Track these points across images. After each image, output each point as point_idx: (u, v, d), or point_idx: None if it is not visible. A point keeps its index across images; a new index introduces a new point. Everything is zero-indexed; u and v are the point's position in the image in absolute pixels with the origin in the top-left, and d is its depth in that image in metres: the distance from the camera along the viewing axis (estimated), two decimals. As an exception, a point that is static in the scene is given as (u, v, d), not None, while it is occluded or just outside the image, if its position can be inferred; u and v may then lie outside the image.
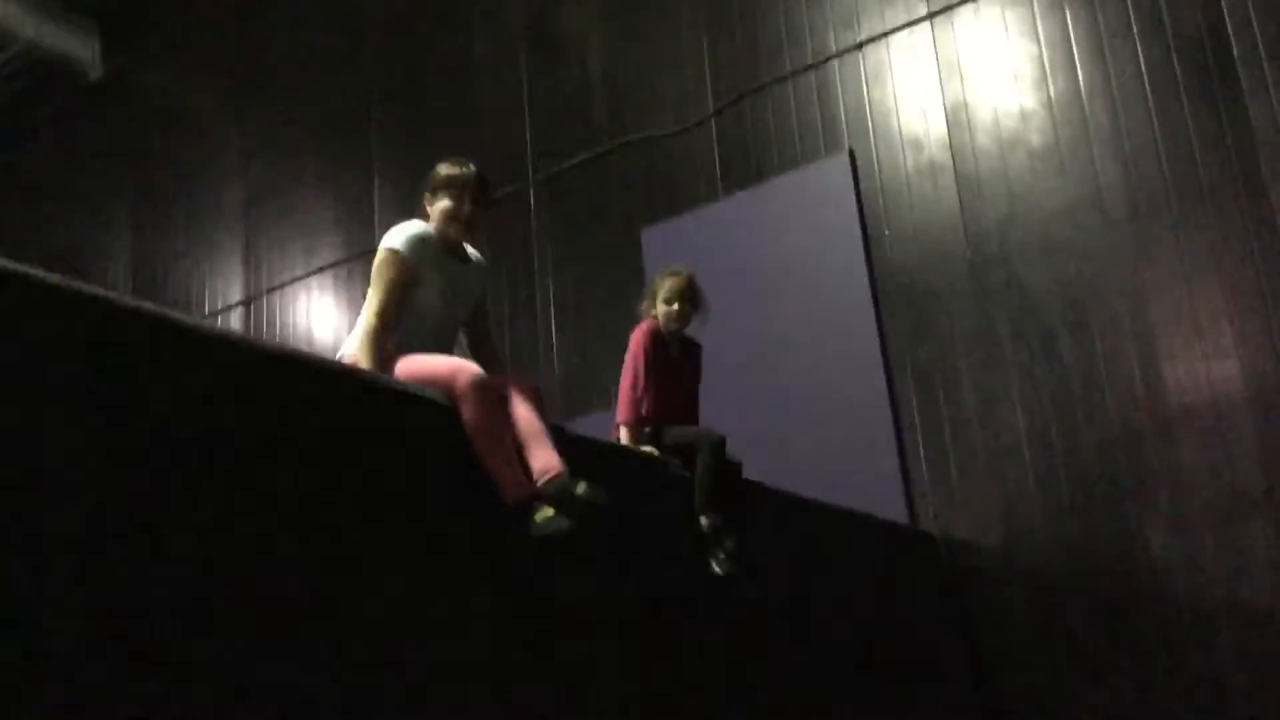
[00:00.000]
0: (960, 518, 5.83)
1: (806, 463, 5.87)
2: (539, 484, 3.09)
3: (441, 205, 3.70)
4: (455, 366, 3.20)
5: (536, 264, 7.67)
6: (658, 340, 4.43)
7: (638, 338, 4.41)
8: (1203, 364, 5.34)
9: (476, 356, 3.76)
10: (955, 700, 5.45)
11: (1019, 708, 5.47)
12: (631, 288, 6.21)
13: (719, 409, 4.68)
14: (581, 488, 3.10)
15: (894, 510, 5.83)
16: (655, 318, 4.45)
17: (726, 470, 4.10)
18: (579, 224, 7.61)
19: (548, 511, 3.02)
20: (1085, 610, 5.44)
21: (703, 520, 3.94)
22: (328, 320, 8.77)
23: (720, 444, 4.11)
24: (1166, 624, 5.22)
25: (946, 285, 6.14)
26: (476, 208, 3.72)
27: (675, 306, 4.42)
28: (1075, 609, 5.46)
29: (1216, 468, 5.22)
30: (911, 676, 5.11)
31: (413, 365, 3.34)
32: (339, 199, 8.89)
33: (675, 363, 4.48)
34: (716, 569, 3.87)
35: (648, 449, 4.19)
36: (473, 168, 3.75)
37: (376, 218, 8.50)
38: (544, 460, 3.14)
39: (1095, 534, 5.47)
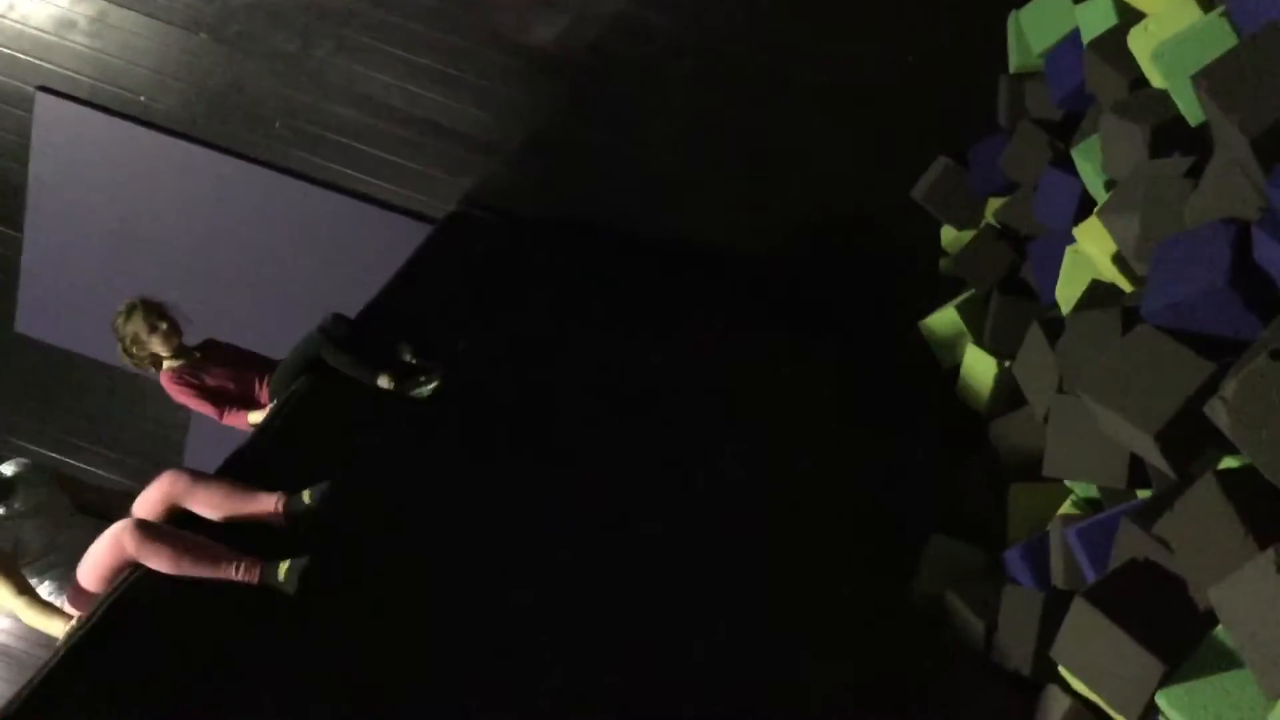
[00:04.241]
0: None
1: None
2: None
3: None
4: (111, 537, 3.12)
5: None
6: (187, 373, 4.17)
7: (175, 390, 4.17)
8: None
9: (85, 510, 3.63)
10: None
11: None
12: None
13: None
14: (307, 498, 3.19)
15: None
16: (160, 365, 4.21)
17: (345, 333, 4.00)
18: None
19: (282, 566, 3.04)
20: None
21: (381, 383, 3.93)
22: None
23: (322, 332, 3.98)
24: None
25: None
26: None
27: (152, 336, 4.14)
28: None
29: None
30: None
31: (85, 572, 3.24)
32: None
33: (212, 359, 4.23)
34: (426, 390, 3.91)
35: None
36: None
37: None
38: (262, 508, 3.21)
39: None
